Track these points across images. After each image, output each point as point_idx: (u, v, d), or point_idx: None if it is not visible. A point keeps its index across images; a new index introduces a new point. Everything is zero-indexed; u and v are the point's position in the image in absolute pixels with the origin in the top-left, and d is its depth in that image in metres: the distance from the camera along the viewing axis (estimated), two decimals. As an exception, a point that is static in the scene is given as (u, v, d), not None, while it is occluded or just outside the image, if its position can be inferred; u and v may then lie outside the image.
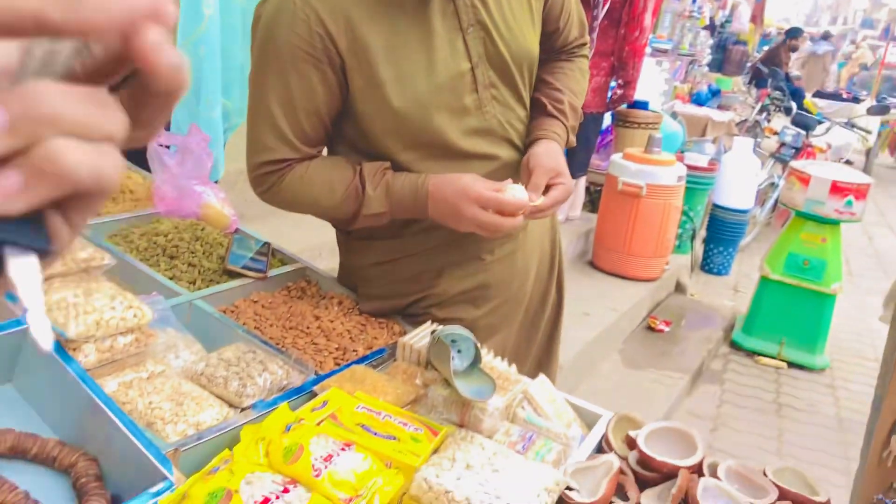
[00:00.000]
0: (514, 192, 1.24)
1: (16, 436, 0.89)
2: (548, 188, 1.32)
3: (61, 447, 0.90)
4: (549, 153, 1.35)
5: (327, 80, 1.25)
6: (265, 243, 1.57)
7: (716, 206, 5.06)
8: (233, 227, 1.63)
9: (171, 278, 1.40)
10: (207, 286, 1.41)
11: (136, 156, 1.77)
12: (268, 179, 1.31)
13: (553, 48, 1.49)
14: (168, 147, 1.63)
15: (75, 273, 1.10)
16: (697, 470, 1.10)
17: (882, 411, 1.40)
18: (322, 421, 1.03)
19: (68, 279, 1.08)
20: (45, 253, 0.31)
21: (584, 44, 1.55)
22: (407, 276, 1.44)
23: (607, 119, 4.88)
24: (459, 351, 1.16)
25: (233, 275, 1.47)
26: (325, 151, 1.39)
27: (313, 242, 2.85)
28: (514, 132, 1.39)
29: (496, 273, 1.45)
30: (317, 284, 1.54)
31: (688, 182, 4.16)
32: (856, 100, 10.35)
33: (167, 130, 1.63)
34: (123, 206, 1.60)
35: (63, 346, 0.99)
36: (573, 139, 1.48)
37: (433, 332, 1.23)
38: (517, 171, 1.37)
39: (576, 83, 1.50)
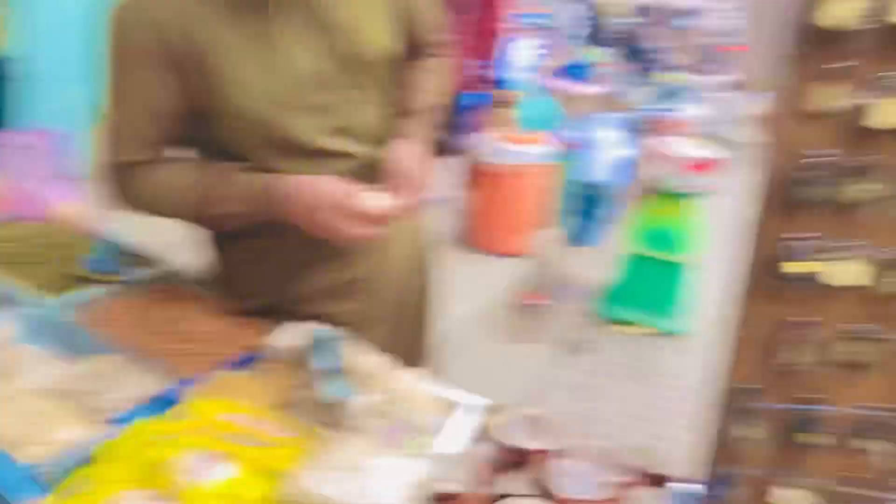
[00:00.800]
0: (374, 198, 1.25)
1: None
2: (403, 185, 1.34)
3: None
4: (404, 152, 1.37)
5: (172, 82, 1.23)
6: (121, 245, 1.53)
7: (584, 181, 5.22)
8: (93, 230, 1.58)
9: (20, 287, 1.34)
10: (60, 293, 1.36)
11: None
12: (117, 181, 1.30)
13: (412, 46, 1.49)
14: (13, 140, 1.55)
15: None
16: (557, 453, 1.16)
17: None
18: (187, 431, 1.02)
19: None
20: None
21: (444, 41, 1.56)
22: (273, 272, 1.43)
23: (471, 98, 4.93)
24: (327, 350, 1.17)
25: (89, 281, 1.42)
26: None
27: (176, 238, 2.76)
28: (372, 129, 1.39)
29: (364, 264, 1.46)
30: (181, 285, 1.51)
31: (557, 158, 4.28)
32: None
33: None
34: (-35, 211, 1.52)
35: None
36: (436, 135, 1.51)
37: (301, 331, 1.23)
38: (378, 168, 1.38)
39: (437, 80, 1.52)
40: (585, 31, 12.32)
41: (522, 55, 5.92)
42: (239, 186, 1.28)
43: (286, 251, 1.41)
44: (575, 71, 8.61)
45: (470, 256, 4.21)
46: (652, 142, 3.95)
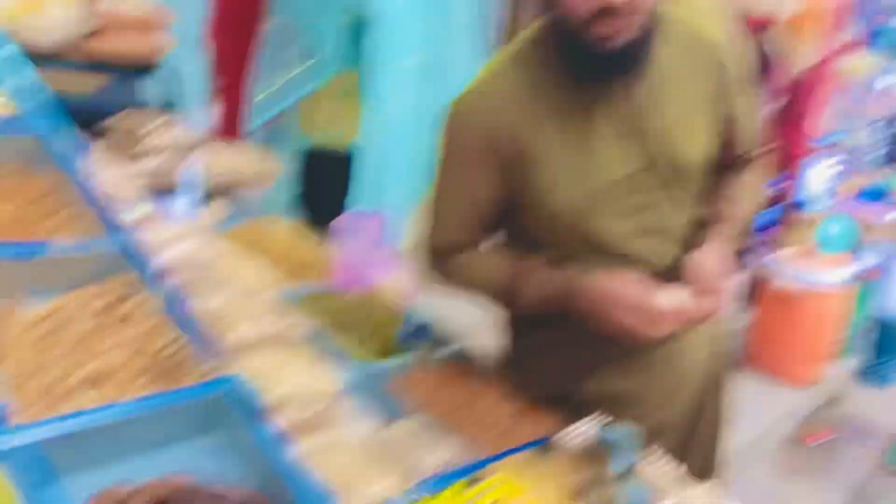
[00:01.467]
0: (666, 297, 1.26)
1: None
2: (704, 291, 1.31)
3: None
4: (707, 257, 1.35)
5: (496, 178, 1.35)
6: (433, 322, 1.64)
7: (882, 311, 4.75)
8: (408, 303, 1.72)
9: (345, 350, 1.49)
10: (378, 360, 1.49)
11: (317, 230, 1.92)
12: (437, 262, 1.45)
13: (729, 156, 1.49)
14: (352, 221, 1.75)
15: (274, 339, 1.21)
16: None
17: None
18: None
19: (268, 345, 1.19)
20: None
21: (763, 152, 1.54)
22: (565, 365, 1.47)
23: (768, 216, 4.73)
24: (623, 451, 1.17)
25: (401, 350, 1.54)
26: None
27: (479, 319, 2.90)
28: (680, 233, 1.40)
29: (650, 376, 1.46)
30: (479, 365, 1.59)
31: (853, 285, 3.95)
32: None
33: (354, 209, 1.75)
34: (306, 280, 1.72)
35: (261, 410, 1.08)
36: (744, 244, 1.48)
37: (596, 428, 1.24)
38: (680, 275, 1.36)
39: (750, 191, 1.50)
40: (886, 152, 11.43)
41: (821, 175, 5.59)
42: (543, 279, 1.35)
43: (581, 346, 1.43)
44: (874, 194, 7.95)
45: (751, 380, 3.96)
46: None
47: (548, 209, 1.33)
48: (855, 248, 5.03)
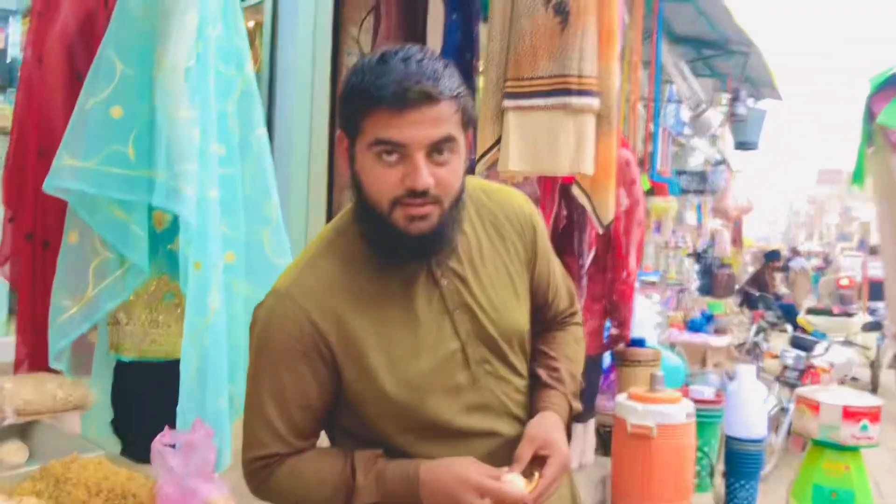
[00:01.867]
0: (512, 483, 1.24)
1: None
2: (542, 460, 1.30)
3: None
4: (539, 422, 1.35)
5: (319, 374, 1.30)
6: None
7: (729, 437, 4.93)
8: (240, 526, 1.57)
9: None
10: None
11: (145, 451, 1.75)
12: (259, 474, 1.34)
13: (545, 319, 1.54)
14: (173, 446, 1.61)
15: None
16: None
17: None
18: None
19: None
20: None
21: (575, 312, 1.60)
22: None
23: (607, 359, 4.90)
24: None
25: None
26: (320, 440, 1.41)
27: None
28: (513, 404, 1.40)
29: None
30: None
31: (697, 417, 4.08)
32: (847, 314, 10.50)
33: (171, 428, 1.61)
34: (125, 513, 1.55)
35: None
36: (577, 405, 1.49)
37: None
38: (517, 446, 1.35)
39: (571, 350, 1.53)
40: (701, 284, 12.43)
41: (648, 313, 5.91)
42: (382, 471, 1.28)
43: None
44: (701, 323, 8.52)
45: (617, 529, 3.91)
46: (805, 391, 3.73)
47: (381, 393, 1.29)
48: (689, 380, 5.27)
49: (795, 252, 18.48)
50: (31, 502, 1.43)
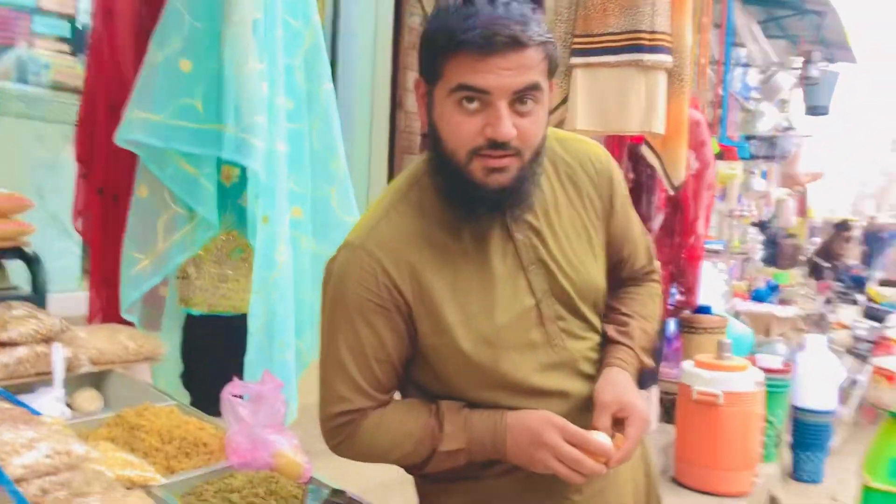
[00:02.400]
0: (598, 436, 1.21)
1: None
2: (620, 422, 1.26)
3: None
4: (610, 385, 1.30)
5: (396, 327, 1.27)
6: (339, 492, 1.50)
7: (797, 408, 4.81)
8: (306, 476, 1.57)
9: (245, 539, 1.32)
10: (285, 545, 1.33)
11: (213, 404, 1.76)
12: (343, 430, 1.30)
13: (621, 277, 1.48)
14: (241, 396, 1.61)
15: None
16: None
17: None
18: None
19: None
20: None
21: (653, 270, 1.54)
22: None
23: (672, 326, 4.81)
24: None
25: (311, 529, 1.39)
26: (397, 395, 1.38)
27: (386, 478, 2.75)
28: (587, 362, 1.35)
29: None
30: (398, 533, 1.45)
31: (765, 386, 3.98)
32: (921, 285, 10.12)
33: (248, 378, 1.61)
34: (197, 461, 1.56)
35: None
36: (648, 360, 1.43)
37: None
38: (592, 405, 1.31)
39: (643, 306, 1.47)
40: (766, 254, 12.14)
41: (714, 281, 5.78)
42: (461, 423, 1.26)
43: (504, 498, 1.33)
44: (766, 293, 8.31)
45: (683, 495, 3.86)
46: (881, 361, 3.60)
47: (456, 348, 1.26)
48: (756, 349, 5.15)
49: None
50: (106, 447, 1.45)
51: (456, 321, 1.25)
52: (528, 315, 1.28)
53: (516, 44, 1.13)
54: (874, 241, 16.77)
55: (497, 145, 1.16)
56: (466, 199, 1.22)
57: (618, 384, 1.30)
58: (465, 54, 1.13)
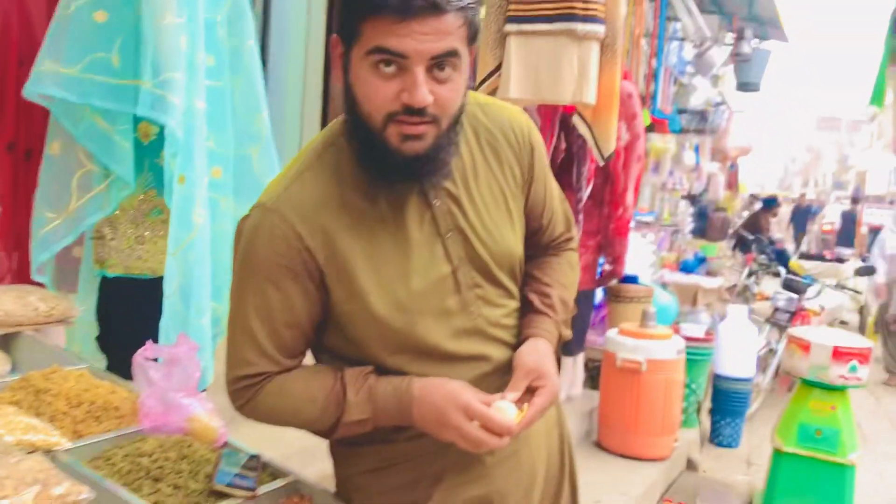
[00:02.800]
0: (502, 411, 1.21)
1: None
2: (532, 390, 1.27)
3: None
4: (533, 352, 1.32)
5: (307, 291, 1.25)
6: (254, 457, 1.48)
7: (717, 376, 4.98)
8: (221, 441, 1.54)
9: (154, 503, 1.30)
10: (197, 507, 1.31)
11: (127, 369, 1.72)
12: (245, 393, 1.30)
13: (540, 244, 1.49)
14: (155, 359, 1.58)
15: (47, 512, 1.01)
16: None
17: None
18: None
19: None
20: None
21: (571, 238, 1.55)
22: (402, 483, 1.36)
23: (599, 295, 4.90)
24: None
25: (221, 495, 1.37)
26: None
27: (305, 443, 2.74)
28: (503, 329, 1.36)
29: (499, 477, 1.37)
30: (310, 499, 1.44)
31: (687, 354, 4.10)
32: (839, 260, 10.53)
33: (153, 342, 1.57)
34: (107, 425, 1.52)
35: None
36: (567, 332, 1.45)
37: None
38: (510, 370, 1.32)
39: (564, 276, 1.48)
40: (696, 226, 12.45)
41: (643, 251, 5.89)
42: (369, 391, 1.25)
43: (417, 460, 1.35)
44: (693, 265, 8.53)
45: (605, 459, 3.96)
46: (797, 331, 3.73)
47: (370, 314, 1.25)
48: (679, 318, 5.29)
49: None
50: (10, 411, 1.40)
51: (370, 286, 1.24)
52: (445, 282, 1.28)
53: (435, 9, 1.10)
54: (800, 216, 17.37)
55: (413, 111, 1.14)
56: (382, 165, 1.20)
57: (540, 353, 1.32)
58: (383, 16, 1.10)
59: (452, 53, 1.14)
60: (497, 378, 1.31)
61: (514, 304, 1.39)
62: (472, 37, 1.19)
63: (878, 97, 4.05)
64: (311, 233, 1.23)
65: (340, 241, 1.24)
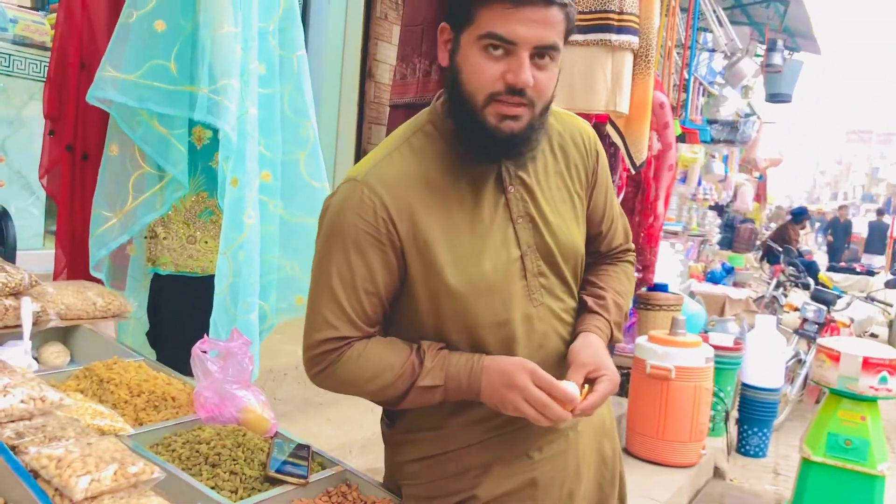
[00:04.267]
0: (568, 385, 1.27)
1: None
2: (591, 381, 1.33)
3: None
4: (588, 347, 1.37)
5: (388, 261, 1.33)
6: (304, 447, 1.55)
7: (745, 385, 4.98)
8: (273, 431, 1.62)
9: (213, 487, 1.37)
10: (250, 494, 1.38)
11: (178, 362, 1.80)
12: (326, 358, 1.35)
13: (598, 252, 1.57)
14: (207, 352, 1.65)
15: (125, 488, 1.08)
16: None
17: None
18: None
19: (118, 495, 1.06)
20: None
21: (630, 250, 1.62)
22: (452, 472, 1.42)
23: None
24: None
25: (274, 481, 1.44)
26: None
27: (344, 440, 2.81)
28: (562, 324, 1.42)
29: (545, 472, 1.42)
30: (357, 488, 1.50)
31: (715, 362, 4.12)
32: (870, 273, 10.44)
33: (207, 335, 1.65)
34: (165, 414, 1.60)
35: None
36: (619, 335, 1.51)
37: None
38: (563, 364, 1.38)
39: (619, 283, 1.54)
40: (722, 237, 12.38)
41: (671, 260, 5.90)
42: (440, 361, 1.32)
43: (468, 450, 1.41)
44: (721, 275, 8.50)
45: (632, 464, 3.99)
46: (826, 341, 3.74)
47: (443, 288, 1.32)
48: (708, 328, 5.30)
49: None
50: (78, 398, 1.48)
51: (446, 260, 1.32)
52: (513, 266, 1.36)
53: (545, 0, 1.21)
54: (839, 229, 17.08)
55: (514, 91, 1.24)
56: (476, 142, 1.30)
57: (593, 346, 1.38)
58: (498, 3, 1.22)
59: (553, 46, 1.25)
60: (552, 370, 1.34)
61: (572, 302, 1.45)
62: (567, 33, 1.29)
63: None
64: (396, 205, 1.31)
65: (421, 216, 1.32)
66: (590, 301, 1.46)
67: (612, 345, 1.46)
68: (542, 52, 1.24)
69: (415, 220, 1.31)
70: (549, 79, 1.27)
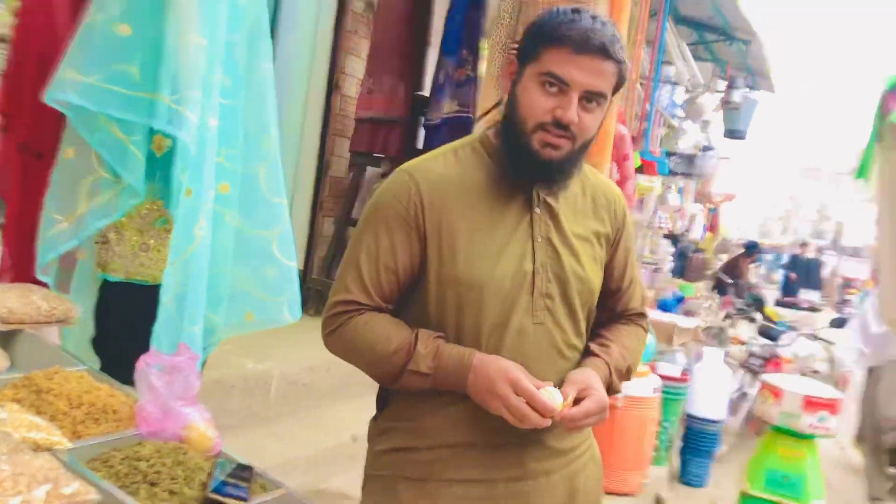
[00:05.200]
0: (548, 394, 1.35)
1: None
2: (579, 401, 1.40)
3: None
4: (583, 373, 1.46)
5: (411, 244, 1.46)
6: (247, 468, 1.53)
7: (689, 415, 5.05)
8: (216, 450, 1.59)
9: (150, 508, 1.34)
10: (190, 515, 1.36)
11: (123, 371, 1.76)
12: (338, 319, 1.48)
13: (614, 310, 1.64)
14: (154, 366, 1.62)
15: (58, 510, 1.06)
16: None
17: None
18: None
19: (50, 517, 1.03)
20: None
21: (644, 315, 1.69)
22: (416, 474, 1.49)
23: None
24: None
25: (215, 503, 1.41)
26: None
27: (289, 456, 2.78)
28: (555, 351, 1.49)
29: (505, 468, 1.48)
30: (302, 510, 1.49)
31: (663, 393, 4.17)
32: (813, 309, 10.70)
33: (154, 348, 1.62)
34: (106, 427, 1.57)
35: None
36: (618, 383, 1.56)
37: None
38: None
39: (629, 340, 1.62)
40: (676, 265, 12.57)
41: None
42: (437, 349, 1.42)
43: (438, 451, 1.48)
44: (672, 303, 8.62)
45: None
46: (770, 378, 3.82)
47: (454, 276, 1.43)
48: (656, 357, 5.37)
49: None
50: (13, 408, 1.44)
51: (461, 253, 1.44)
52: (524, 279, 1.45)
53: (603, 52, 1.38)
54: (800, 265, 17.39)
55: (560, 126, 1.39)
56: (518, 161, 1.45)
57: (588, 374, 1.46)
58: (562, 48, 1.38)
59: (601, 94, 1.42)
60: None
61: (575, 339, 1.52)
62: (617, 87, 1.46)
63: (863, 172, 4.21)
64: (430, 196, 1.45)
65: (450, 214, 1.45)
66: (593, 346, 1.54)
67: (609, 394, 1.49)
68: (590, 97, 1.40)
69: (443, 214, 1.45)
70: (593, 120, 1.43)
